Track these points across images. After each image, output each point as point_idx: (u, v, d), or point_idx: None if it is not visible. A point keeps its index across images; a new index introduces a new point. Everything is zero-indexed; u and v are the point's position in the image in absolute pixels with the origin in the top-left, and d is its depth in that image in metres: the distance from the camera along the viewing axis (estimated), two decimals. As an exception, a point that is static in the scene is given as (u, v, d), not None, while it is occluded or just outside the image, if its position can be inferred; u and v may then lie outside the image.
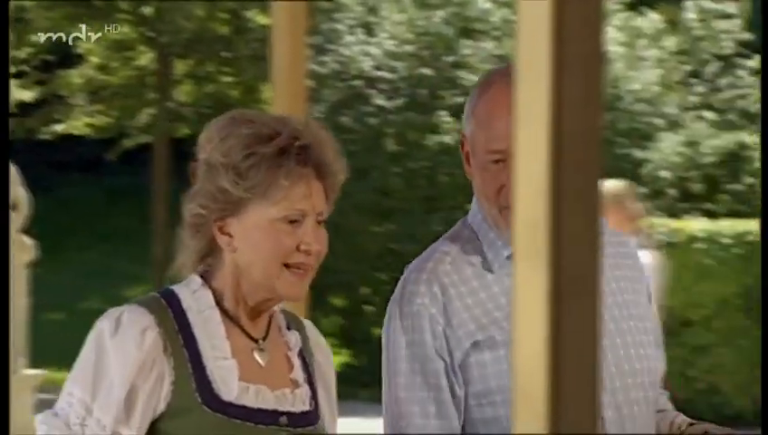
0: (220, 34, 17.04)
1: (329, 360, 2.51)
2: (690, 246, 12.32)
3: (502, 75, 2.51)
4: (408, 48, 16.36)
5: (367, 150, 15.26)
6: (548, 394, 1.28)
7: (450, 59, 16.21)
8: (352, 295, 15.48)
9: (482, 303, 2.50)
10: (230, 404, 2.30)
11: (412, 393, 2.46)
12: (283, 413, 2.35)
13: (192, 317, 2.34)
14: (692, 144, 15.37)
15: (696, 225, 13.80)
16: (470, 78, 15.90)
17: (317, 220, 2.35)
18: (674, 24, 16.97)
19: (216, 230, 2.35)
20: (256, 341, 2.39)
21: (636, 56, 16.15)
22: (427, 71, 16.18)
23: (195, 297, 2.36)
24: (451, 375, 2.46)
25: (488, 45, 15.98)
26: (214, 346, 2.33)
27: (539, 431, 1.28)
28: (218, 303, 2.36)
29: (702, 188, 15.27)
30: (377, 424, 2.84)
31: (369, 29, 16.84)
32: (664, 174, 15.62)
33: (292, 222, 2.32)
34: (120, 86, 17.26)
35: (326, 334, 2.96)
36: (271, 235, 2.32)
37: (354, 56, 16.52)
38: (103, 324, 2.32)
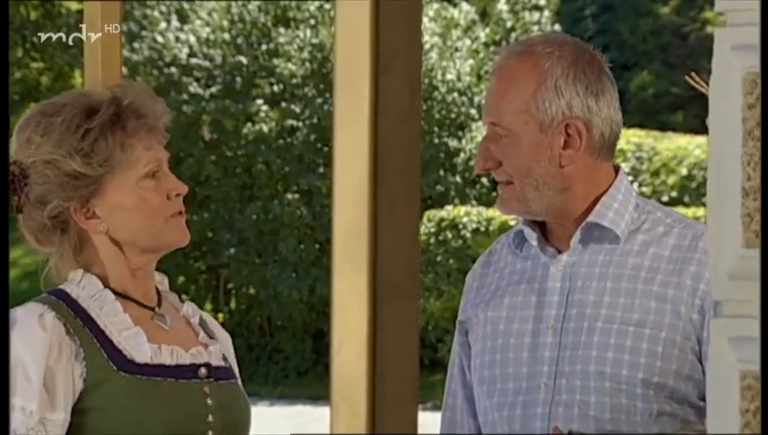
0: (30, 19, 16.65)
1: (230, 342, 2.51)
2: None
3: (505, 50, 2.50)
4: (224, 35, 16.26)
5: (182, 138, 15.11)
6: (369, 396, 1.29)
7: (266, 47, 16.17)
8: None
9: (483, 285, 2.54)
10: (146, 365, 2.30)
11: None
12: (201, 365, 2.35)
13: (85, 303, 2.32)
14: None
15: (509, 213, 14.07)
16: (287, 66, 15.90)
17: (166, 165, 2.38)
18: (486, 15, 17.26)
19: (80, 218, 2.34)
20: (152, 309, 2.38)
21: (449, 47, 16.37)
22: (242, 58, 16.11)
23: (80, 286, 2.34)
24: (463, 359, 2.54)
25: (304, 34, 15.99)
26: (114, 322, 2.31)
27: (360, 433, 1.30)
28: (105, 284, 2.35)
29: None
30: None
31: (183, 16, 16.67)
32: (477, 163, 15.87)
33: (153, 175, 2.34)
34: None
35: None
36: (142, 196, 2.33)
37: (169, 43, 16.34)
38: None
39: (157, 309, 2.39)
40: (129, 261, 2.36)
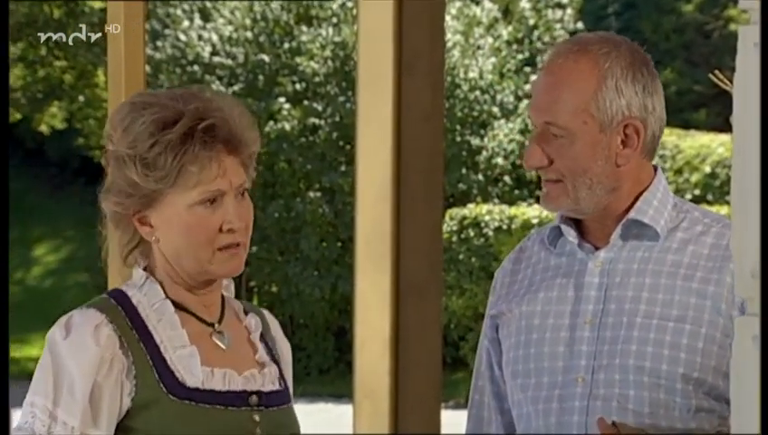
0: (53, 17, 16.70)
1: (289, 351, 2.46)
2: (525, 233, 12.51)
3: (558, 48, 2.46)
4: (247, 34, 16.28)
5: (204, 137, 15.14)
6: (391, 394, 1.30)
7: (288, 45, 16.18)
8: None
9: (515, 280, 2.55)
10: (196, 390, 2.24)
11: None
12: (252, 393, 2.29)
13: (144, 312, 2.27)
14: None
15: (531, 211, 14.06)
16: (309, 64, 15.91)
17: (238, 193, 2.28)
18: (508, 13, 17.23)
19: (136, 223, 2.28)
20: (212, 325, 2.32)
21: (471, 45, 16.35)
22: (265, 57, 16.13)
23: (143, 291, 2.29)
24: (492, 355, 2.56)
25: (327, 32, 15.99)
26: (170, 337, 2.26)
27: (382, 431, 1.30)
28: (166, 293, 2.30)
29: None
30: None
31: (206, 14, 16.70)
32: (500, 161, 15.87)
33: (211, 203, 2.25)
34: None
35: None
36: (192, 221, 2.24)
37: (191, 41, 16.37)
38: (53, 331, 2.23)
39: (216, 326, 2.32)
40: (182, 276, 2.29)
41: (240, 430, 2.26)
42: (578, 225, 2.48)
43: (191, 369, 2.25)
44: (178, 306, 2.30)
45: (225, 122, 2.26)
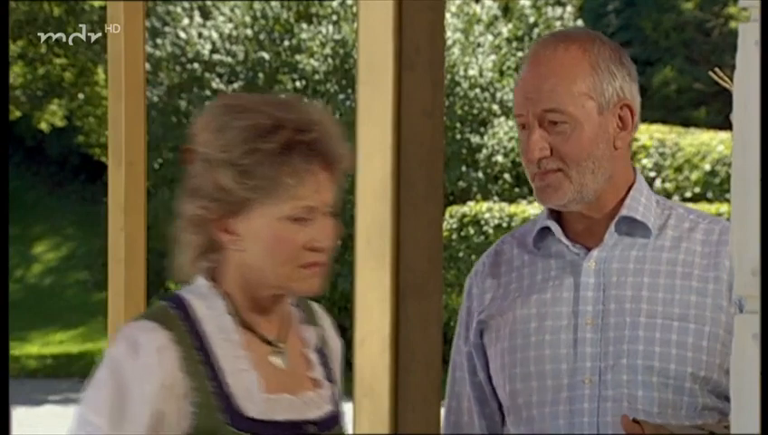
0: (53, 15, 16.71)
1: (339, 347, 2.39)
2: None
3: (542, 42, 2.46)
4: (246, 31, 16.28)
5: (204, 135, 15.14)
6: (391, 392, 1.30)
7: (288, 43, 16.18)
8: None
9: (497, 284, 2.53)
10: (257, 421, 2.17)
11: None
12: (310, 422, 2.22)
13: (207, 328, 2.19)
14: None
15: (531, 209, 14.08)
16: (309, 62, 15.91)
17: (327, 211, 2.19)
18: (508, 11, 17.24)
19: (217, 230, 2.19)
20: (271, 343, 2.24)
21: (471, 42, 16.35)
22: (265, 54, 16.13)
23: (206, 305, 2.20)
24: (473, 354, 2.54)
25: (327, 29, 15.99)
26: (232, 359, 2.18)
27: (383, 430, 1.30)
28: (229, 307, 2.21)
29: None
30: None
31: (205, 12, 16.71)
32: (499, 159, 15.88)
33: (299, 220, 2.16)
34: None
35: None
36: (278, 235, 2.16)
37: (191, 39, 16.38)
38: (118, 347, 2.15)
39: (276, 345, 2.24)
40: (256, 290, 2.21)
41: None
42: (562, 226, 2.48)
43: (252, 396, 2.18)
44: (242, 323, 2.22)
45: (326, 136, 2.19)
